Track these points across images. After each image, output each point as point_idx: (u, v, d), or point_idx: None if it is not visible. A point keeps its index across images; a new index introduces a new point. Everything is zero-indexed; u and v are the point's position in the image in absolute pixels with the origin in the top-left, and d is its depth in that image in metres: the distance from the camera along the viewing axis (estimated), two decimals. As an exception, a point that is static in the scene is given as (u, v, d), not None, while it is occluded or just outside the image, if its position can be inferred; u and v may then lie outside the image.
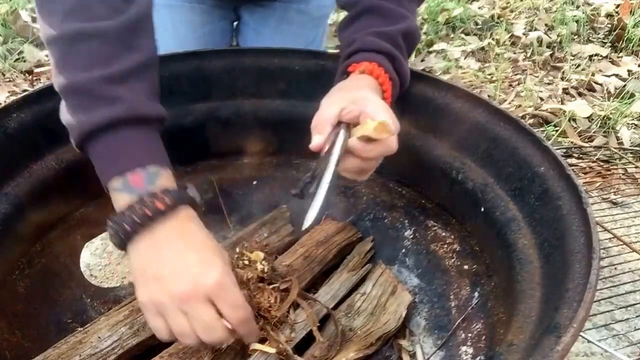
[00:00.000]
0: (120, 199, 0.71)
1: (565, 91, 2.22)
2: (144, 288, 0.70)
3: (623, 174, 1.76)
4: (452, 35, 2.62)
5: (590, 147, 1.87)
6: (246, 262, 0.92)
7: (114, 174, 0.71)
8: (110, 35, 0.73)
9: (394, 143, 0.81)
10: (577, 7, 2.84)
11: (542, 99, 2.14)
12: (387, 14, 0.96)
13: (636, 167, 1.76)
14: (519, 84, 2.25)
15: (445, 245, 1.06)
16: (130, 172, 0.71)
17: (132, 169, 0.71)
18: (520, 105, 2.08)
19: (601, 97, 2.19)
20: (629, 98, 2.08)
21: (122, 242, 0.70)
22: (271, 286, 0.91)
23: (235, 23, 1.56)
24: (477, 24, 2.72)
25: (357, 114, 0.80)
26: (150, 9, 0.80)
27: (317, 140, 0.79)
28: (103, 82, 0.71)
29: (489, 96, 2.12)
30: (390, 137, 0.79)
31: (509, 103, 2.12)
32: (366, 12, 0.97)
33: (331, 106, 0.81)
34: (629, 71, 2.35)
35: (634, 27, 2.57)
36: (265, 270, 0.92)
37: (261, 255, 0.94)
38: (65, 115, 0.74)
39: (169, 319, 0.69)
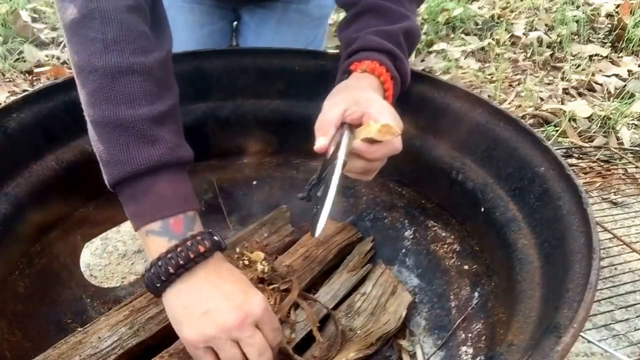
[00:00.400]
0: (158, 243, 0.72)
1: (565, 91, 2.22)
2: (191, 327, 0.71)
3: (623, 174, 1.76)
4: (452, 35, 2.62)
5: (591, 147, 1.87)
6: (246, 263, 0.92)
7: (155, 218, 0.72)
8: (153, 73, 0.74)
9: (399, 143, 0.80)
10: (577, 7, 2.83)
11: (542, 99, 2.14)
12: (387, 13, 0.96)
13: (636, 167, 1.76)
14: (519, 84, 2.25)
15: (446, 246, 1.06)
16: (173, 217, 0.72)
17: (175, 213, 0.72)
18: (520, 106, 2.08)
19: (601, 97, 2.19)
20: (629, 98, 2.08)
21: (163, 286, 0.72)
22: (271, 287, 0.91)
23: (234, 23, 1.56)
24: (477, 24, 2.72)
25: (359, 115, 0.79)
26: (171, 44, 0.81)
27: (321, 142, 0.78)
28: (147, 121, 0.71)
29: (489, 96, 2.12)
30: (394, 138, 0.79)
31: (509, 103, 2.12)
32: (367, 12, 0.97)
33: (334, 107, 0.81)
34: (629, 71, 2.34)
35: (634, 27, 2.56)
36: (266, 270, 0.92)
37: (261, 255, 0.94)
38: (98, 147, 0.74)
39: (221, 351, 0.71)
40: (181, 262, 0.70)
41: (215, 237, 0.74)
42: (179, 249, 0.70)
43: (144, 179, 0.72)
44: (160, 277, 0.71)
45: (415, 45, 1.02)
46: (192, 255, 0.70)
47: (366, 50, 0.92)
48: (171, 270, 0.70)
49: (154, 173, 0.72)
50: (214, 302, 0.70)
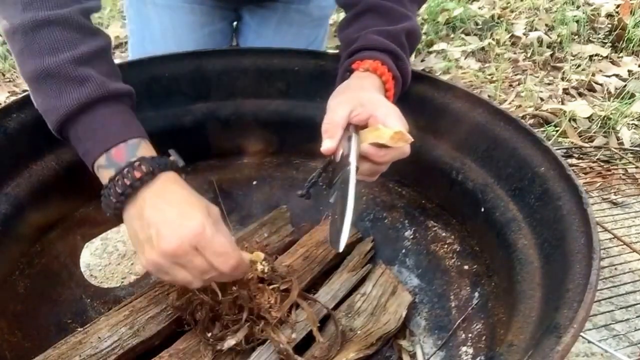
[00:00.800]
0: (105, 174, 0.75)
1: (565, 91, 2.22)
2: (141, 254, 0.73)
3: (623, 174, 1.76)
4: (452, 36, 2.62)
5: (591, 147, 1.87)
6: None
7: (99, 153, 0.75)
8: (71, 22, 0.78)
9: (408, 147, 0.81)
10: (578, 7, 2.83)
11: (542, 99, 2.14)
12: (389, 13, 0.96)
13: (636, 167, 1.76)
14: (519, 84, 2.25)
15: (446, 246, 1.06)
16: (114, 147, 0.75)
17: (115, 144, 0.75)
18: (520, 106, 2.08)
19: (601, 97, 2.19)
20: (629, 98, 2.08)
21: (116, 215, 0.75)
22: (271, 287, 0.91)
23: (235, 24, 1.56)
24: (477, 24, 2.72)
25: (366, 117, 0.80)
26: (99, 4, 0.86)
27: (328, 144, 0.78)
28: (71, 64, 0.75)
29: (489, 96, 2.12)
30: None
31: (509, 103, 2.12)
32: (368, 11, 0.97)
33: (340, 108, 0.81)
34: (629, 71, 2.34)
35: (634, 27, 2.56)
36: (266, 270, 0.92)
37: (261, 255, 0.94)
38: (39, 103, 0.78)
39: (171, 275, 0.73)
40: (119, 190, 0.72)
41: (162, 160, 0.76)
42: (116, 178, 0.73)
43: (81, 117, 0.75)
44: (109, 207, 0.74)
45: (416, 46, 1.02)
46: (127, 182, 0.72)
47: (368, 49, 0.92)
48: (113, 200, 0.73)
49: (88, 110, 0.75)
50: (154, 228, 0.71)
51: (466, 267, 1.01)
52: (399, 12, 0.96)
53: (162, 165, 0.75)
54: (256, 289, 0.89)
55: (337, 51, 1.04)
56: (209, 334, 0.86)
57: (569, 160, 1.78)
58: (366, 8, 0.97)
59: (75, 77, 0.75)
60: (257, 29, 1.49)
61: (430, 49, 2.50)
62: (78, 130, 0.76)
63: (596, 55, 2.46)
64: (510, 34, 2.60)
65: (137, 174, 0.73)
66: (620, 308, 1.30)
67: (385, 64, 0.90)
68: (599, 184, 1.69)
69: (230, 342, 0.84)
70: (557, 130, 1.91)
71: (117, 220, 0.76)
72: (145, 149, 0.77)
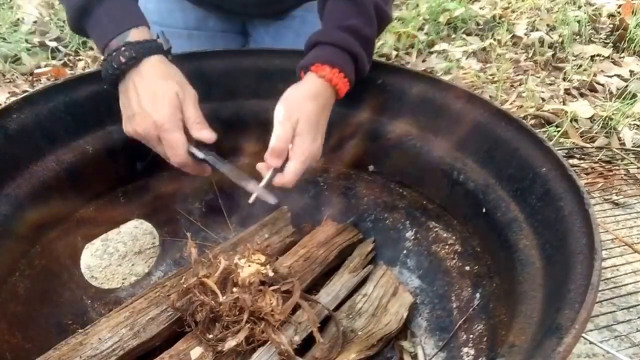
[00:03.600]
0: (105, 53, 0.90)
1: (567, 92, 2.22)
2: (125, 125, 0.92)
3: (625, 175, 1.75)
4: (453, 36, 2.62)
5: (592, 147, 1.86)
6: (248, 266, 0.92)
7: (102, 45, 0.90)
8: None
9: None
10: (579, 7, 2.83)
11: (543, 100, 2.13)
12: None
13: (638, 167, 1.75)
14: (520, 85, 2.25)
15: (447, 247, 1.06)
16: (111, 40, 0.89)
17: (111, 38, 0.89)
18: (521, 106, 2.08)
19: (603, 97, 2.19)
20: (630, 98, 2.08)
21: (112, 86, 0.92)
22: (272, 288, 0.91)
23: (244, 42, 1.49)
24: (478, 24, 2.72)
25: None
26: None
27: (275, 164, 0.89)
28: None
29: (490, 97, 2.12)
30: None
31: (511, 103, 2.11)
32: None
33: (288, 133, 0.88)
34: (631, 72, 2.34)
35: (635, 28, 2.56)
36: (269, 274, 0.92)
37: (262, 258, 0.94)
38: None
39: (149, 144, 0.91)
40: (109, 71, 0.89)
41: (146, 45, 0.90)
42: (108, 59, 0.89)
43: (85, 17, 0.91)
44: (104, 79, 0.92)
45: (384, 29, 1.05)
46: (114, 65, 0.88)
47: (333, 45, 0.94)
48: (109, 73, 0.90)
49: (92, 8, 0.90)
50: (133, 109, 0.89)
51: (467, 268, 1.01)
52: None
53: (145, 49, 0.90)
54: (257, 292, 0.88)
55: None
56: (210, 335, 0.86)
57: (571, 161, 1.78)
58: None
59: None
60: (274, 43, 1.41)
61: (432, 50, 2.50)
62: (87, 26, 0.92)
63: (598, 55, 2.46)
64: (511, 34, 2.59)
65: (122, 59, 0.88)
66: (622, 309, 1.30)
67: (342, 70, 0.93)
68: (600, 184, 1.69)
69: (231, 343, 0.84)
70: (558, 131, 1.91)
71: (114, 90, 0.93)
72: (136, 34, 0.90)
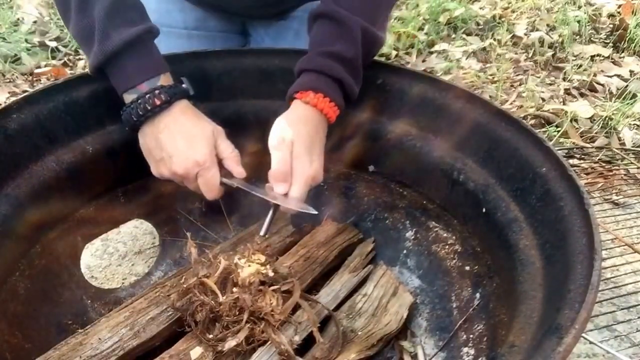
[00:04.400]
0: (128, 97, 0.93)
1: (567, 92, 2.22)
2: (153, 167, 0.97)
3: (625, 175, 1.75)
4: (453, 36, 2.62)
5: (592, 147, 1.87)
6: (248, 266, 0.92)
7: (129, 87, 0.93)
8: None
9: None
10: (579, 7, 2.83)
11: (543, 100, 2.14)
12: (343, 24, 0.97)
13: (638, 167, 1.75)
14: (520, 85, 2.25)
15: (447, 246, 1.06)
16: (140, 83, 0.92)
17: (140, 82, 0.92)
18: (521, 106, 2.08)
19: (603, 97, 2.19)
20: (630, 98, 2.08)
21: (133, 130, 0.95)
22: (272, 288, 0.91)
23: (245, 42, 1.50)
24: (478, 24, 2.72)
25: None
26: None
27: (282, 190, 0.92)
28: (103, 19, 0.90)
29: (490, 97, 2.12)
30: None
31: (511, 103, 2.11)
32: (323, 17, 0.99)
33: (287, 160, 0.91)
34: (631, 72, 2.34)
35: (635, 28, 2.56)
36: (269, 274, 0.91)
37: (262, 258, 0.94)
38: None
39: (173, 180, 0.96)
40: (140, 112, 0.91)
41: (177, 89, 0.94)
42: (139, 101, 0.91)
43: (112, 62, 0.92)
44: (129, 122, 0.93)
45: (375, 53, 1.05)
46: (148, 107, 0.91)
47: (315, 72, 0.96)
48: (134, 118, 0.92)
49: (118, 56, 0.91)
50: (167, 153, 0.92)
51: (467, 267, 1.01)
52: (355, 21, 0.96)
53: (178, 93, 0.94)
54: (257, 292, 0.88)
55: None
56: (210, 335, 0.86)
57: (571, 161, 1.78)
58: (320, 13, 0.99)
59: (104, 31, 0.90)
60: (274, 43, 1.40)
61: (432, 50, 2.50)
62: (112, 72, 0.94)
63: (598, 55, 2.46)
64: (511, 34, 2.60)
65: (157, 101, 0.91)
66: (622, 309, 1.30)
67: (327, 95, 0.94)
68: (600, 184, 1.69)
69: (231, 343, 0.84)
70: (558, 131, 1.91)
71: (132, 133, 0.95)
72: (163, 80, 0.94)
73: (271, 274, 0.92)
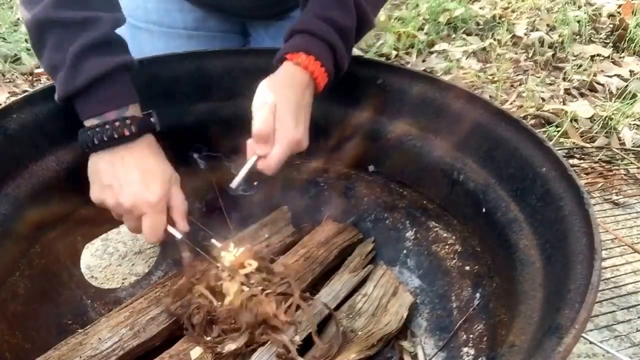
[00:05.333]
0: (93, 122, 0.87)
1: (567, 92, 2.22)
2: (95, 190, 0.90)
3: (625, 175, 1.75)
4: (453, 36, 2.61)
5: (592, 147, 1.86)
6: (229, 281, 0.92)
7: (95, 114, 0.88)
8: None
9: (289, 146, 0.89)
10: (579, 7, 2.83)
11: (543, 100, 2.13)
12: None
13: (638, 167, 1.75)
14: (520, 85, 2.24)
15: (447, 246, 1.06)
16: (108, 111, 0.87)
17: (110, 109, 0.88)
18: (521, 106, 2.08)
19: (603, 97, 2.19)
20: (630, 98, 2.08)
21: (88, 151, 0.89)
22: (265, 292, 0.90)
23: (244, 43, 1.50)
24: (478, 24, 2.72)
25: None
26: None
27: (262, 151, 0.89)
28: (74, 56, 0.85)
29: (490, 97, 2.12)
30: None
31: (511, 103, 2.11)
32: None
33: (269, 122, 0.88)
34: (631, 72, 2.34)
35: (635, 28, 2.56)
36: (263, 278, 0.91)
37: (255, 263, 0.94)
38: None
39: (112, 212, 0.91)
40: (105, 137, 0.86)
41: (147, 122, 0.90)
42: (106, 126, 0.86)
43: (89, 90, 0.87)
44: (86, 144, 0.87)
45: (365, 34, 1.03)
46: (115, 135, 0.86)
47: (309, 34, 0.92)
48: (95, 142, 0.86)
49: (92, 84, 0.86)
50: (118, 182, 0.87)
51: (467, 267, 1.01)
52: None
53: (146, 127, 0.90)
54: (255, 303, 0.88)
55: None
56: (207, 338, 0.86)
57: (571, 161, 1.78)
58: None
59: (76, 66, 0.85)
60: (274, 43, 1.37)
61: (432, 49, 2.50)
62: (79, 99, 0.88)
63: (598, 55, 2.46)
64: (511, 34, 2.59)
65: (126, 132, 0.86)
66: (622, 309, 1.30)
67: (319, 59, 0.91)
68: (600, 184, 1.69)
69: (230, 346, 0.84)
70: (558, 131, 1.91)
71: (83, 152, 0.89)
72: (133, 110, 0.89)
73: (265, 277, 0.92)
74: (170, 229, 0.91)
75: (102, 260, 1.26)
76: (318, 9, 0.95)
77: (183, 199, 0.93)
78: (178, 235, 0.92)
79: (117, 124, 0.86)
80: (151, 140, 0.92)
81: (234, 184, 0.90)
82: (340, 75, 0.98)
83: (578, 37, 2.62)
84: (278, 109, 0.88)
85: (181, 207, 0.92)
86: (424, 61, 2.40)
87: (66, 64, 0.85)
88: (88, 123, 0.88)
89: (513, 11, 2.85)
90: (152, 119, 0.92)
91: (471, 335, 0.94)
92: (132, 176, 0.87)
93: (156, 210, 0.87)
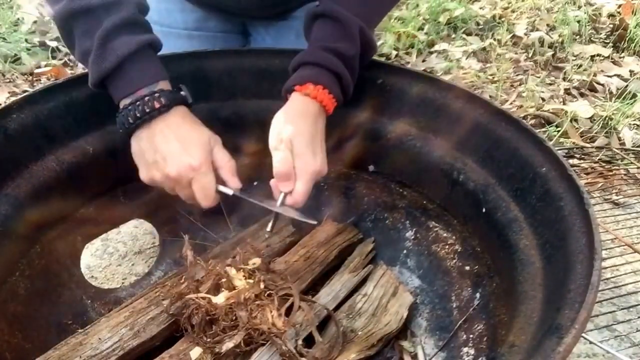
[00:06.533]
0: (126, 102, 0.90)
1: (567, 91, 2.22)
2: (143, 170, 0.93)
3: (625, 175, 1.75)
4: (453, 36, 2.62)
5: (592, 147, 1.86)
6: (239, 280, 0.92)
7: (127, 96, 0.90)
8: None
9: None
10: (579, 7, 2.83)
11: (543, 100, 2.13)
12: (343, 24, 0.97)
13: (638, 167, 1.75)
14: (520, 85, 2.25)
15: (447, 246, 1.06)
16: (139, 89, 0.90)
17: (141, 87, 0.90)
18: (521, 106, 2.08)
19: (603, 97, 2.19)
20: (630, 98, 2.08)
21: (127, 133, 0.92)
22: (267, 292, 0.90)
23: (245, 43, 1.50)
24: (478, 24, 2.72)
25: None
26: None
27: (287, 189, 0.92)
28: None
29: (490, 97, 2.12)
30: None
31: (511, 103, 2.11)
32: (323, 16, 0.99)
33: (289, 159, 0.91)
34: (631, 71, 2.34)
35: (635, 27, 2.56)
36: (264, 279, 0.91)
37: (258, 261, 0.94)
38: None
39: (164, 187, 0.94)
40: (138, 114, 0.88)
41: (177, 95, 0.93)
42: (137, 103, 0.88)
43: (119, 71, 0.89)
44: (124, 125, 0.90)
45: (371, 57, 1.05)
46: (147, 110, 0.88)
47: (315, 65, 0.96)
48: (130, 120, 0.89)
49: (120, 65, 0.89)
50: (161, 155, 0.89)
51: (467, 267, 1.01)
52: (353, 21, 0.97)
53: (177, 99, 0.92)
54: (256, 307, 0.88)
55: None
56: (207, 339, 0.86)
57: (571, 161, 1.78)
58: (321, 13, 0.98)
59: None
60: (275, 44, 1.40)
61: (432, 49, 2.50)
62: (112, 82, 0.91)
63: (598, 55, 2.46)
64: (511, 34, 2.59)
65: (157, 104, 0.89)
66: (622, 309, 1.30)
67: (326, 87, 0.94)
68: (600, 184, 1.69)
69: (228, 345, 0.84)
70: (558, 131, 1.91)
71: (126, 136, 0.92)
72: (163, 85, 0.92)
73: (267, 277, 0.92)
74: (222, 188, 0.94)
75: (102, 260, 1.25)
76: (323, 40, 0.97)
77: (229, 157, 0.96)
78: (230, 192, 0.94)
79: (147, 98, 0.88)
80: (185, 111, 0.94)
81: (269, 227, 0.95)
82: (347, 100, 1.00)
83: (578, 37, 2.62)
84: (294, 144, 0.91)
85: (228, 165, 0.95)
86: (424, 61, 2.41)
87: (94, 47, 0.87)
88: (122, 104, 0.90)
89: (513, 11, 2.85)
90: (182, 92, 0.94)
91: (471, 335, 0.94)
92: (171, 146, 0.89)
93: (202, 172, 0.90)
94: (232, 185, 0.94)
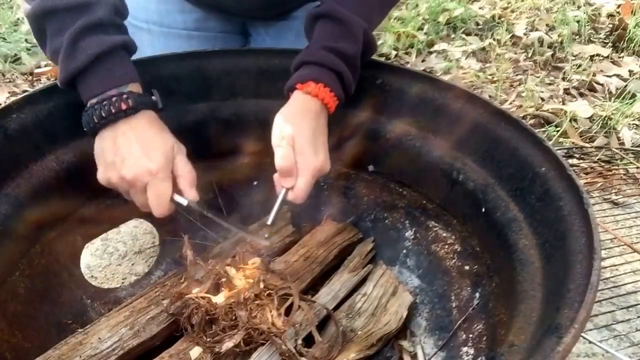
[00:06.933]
0: (93, 100, 0.88)
1: (566, 91, 2.22)
2: (101, 169, 0.90)
3: (624, 175, 1.75)
4: (453, 36, 2.62)
5: (592, 147, 1.87)
6: (239, 279, 0.92)
7: (96, 94, 0.88)
8: None
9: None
10: (578, 7, 2.83)
11: (543, 99, 2.14)
12: (345, 24, 0.97)
13: (637, 167, 1.76)
14: (520, 84, 2.25)
15: (446, 246, 1.06)
16: (109, 89, 0.88)
17: (110, 88, 0.88)
18: (521, 106, 2.08)
19: (602, 97, 2.19)
20: (630, 98, 2.08)
21: (92, 133, 0.89)
22: (267, 292, 0.90)
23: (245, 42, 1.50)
24: (478, 24, 2.72)
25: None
26: None
27: (289, 184, 0.92)
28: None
29: (490, 96, 2.12)
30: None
31: (510, 103, 2.11)
32: (325, 17, 0.99)
33: (291, 154, 0.91)
34: (630, 71, 2.34)
35: (635, 27, 2.56)
36: (260, 284, 0.91)
37: (258, 260, 0.94)
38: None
39: (119, 190, 0.91)
40: (103, 114, 0.86)
41: (146, 99, 0.90)
42: (104, 102, 0.86)
43: (88, 70, 0.88)
44: (89, 124, 0.88)
45: (371, 54, 1.05)
46: (113, 110, 0.86)
47: (316, 64, 0.96)
48: (95, 120, 0.87)
49: (91, 64, 0.87)
50: (120, 157, 0.87)
51: (467, 267, 1.01)
52: (356, 22, 0.97)
53: (146, 103, 0.90)
54: (256, 307, 0.88)
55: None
56: (207, 338, 0.86)
57: (570, 161, 1.78)
58: (324, 13, 0.98)
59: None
60: (274, 43, 1.40)
61: (431, 49, 2.50)
62: (81, 81, 0.89)
63: (597, 55, 2.46)
64: (511, 34, 2.59)
65: (123, 106, 0.87)
66: (622, 308, 1.30)
67: (328, 85, 0.94)
68: (599, 184, 1.69)
69: (228, 344, 0.84)
70: (558, 131, 1.91)
71: (91, 136, 0.90)
72: (133, 87, 0.90)
73: (261, 285, 0.92)
74: (177, 197, 0.90)
75: (102, 260, 1.26)
76: (325, 40, 0.97)
77: (190, 168, 0.92)
78: (184, 202, 0.90)
79: (114, 99, 0.86)
80: (152, 116, 0.92)
81: (270, 220, 0.93)
82: (349, 99, 1.00)
83: (577, 37, 2.62)
84: (296, 140, 0.91)
85: (188, 175, 0.92)
86: (423, 61, 2.41)
87: (64, 45, 0.86)
88: (89, 104, 0.88)
89: (512, 11, 2.85)
90: (153, 97, 0.92)
91: (470, 335, 0.94)
92: (132, 149, 0.87)
93: (159, 178, 0.87)
94: (189, 197, 0.91)
